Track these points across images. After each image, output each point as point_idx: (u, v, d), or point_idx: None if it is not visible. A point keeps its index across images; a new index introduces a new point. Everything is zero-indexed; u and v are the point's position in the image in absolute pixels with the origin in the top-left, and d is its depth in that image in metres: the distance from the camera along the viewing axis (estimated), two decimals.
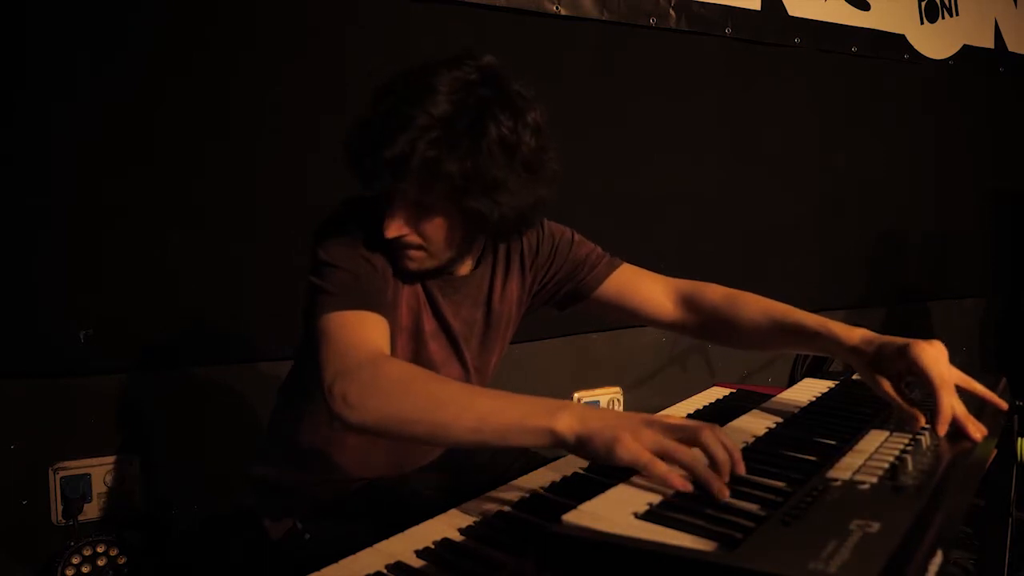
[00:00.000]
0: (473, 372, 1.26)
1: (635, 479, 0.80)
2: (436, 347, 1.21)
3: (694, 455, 0.78)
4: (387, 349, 1.02)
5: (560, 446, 0.84)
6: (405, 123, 0.99)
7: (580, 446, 0.83)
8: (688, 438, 0.79)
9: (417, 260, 1.12)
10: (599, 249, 1.33)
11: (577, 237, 1.33)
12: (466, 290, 1.22)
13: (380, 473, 1.25)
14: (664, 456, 0.78)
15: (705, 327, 1.29)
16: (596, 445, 0.81)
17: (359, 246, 1.10)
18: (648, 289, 1.31)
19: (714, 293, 1.28)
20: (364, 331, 1.01)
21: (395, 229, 1.07)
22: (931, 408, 0.92)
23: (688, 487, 0.76)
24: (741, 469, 0.79)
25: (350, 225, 1.12)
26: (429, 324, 1.19)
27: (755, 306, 1.23)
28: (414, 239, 1.09)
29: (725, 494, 0.74)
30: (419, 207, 1.06)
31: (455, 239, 1.11)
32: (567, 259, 1.30)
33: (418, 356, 1.19)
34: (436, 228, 1.08)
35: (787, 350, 1.22)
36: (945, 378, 0.94)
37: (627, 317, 1.33)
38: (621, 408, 2.70)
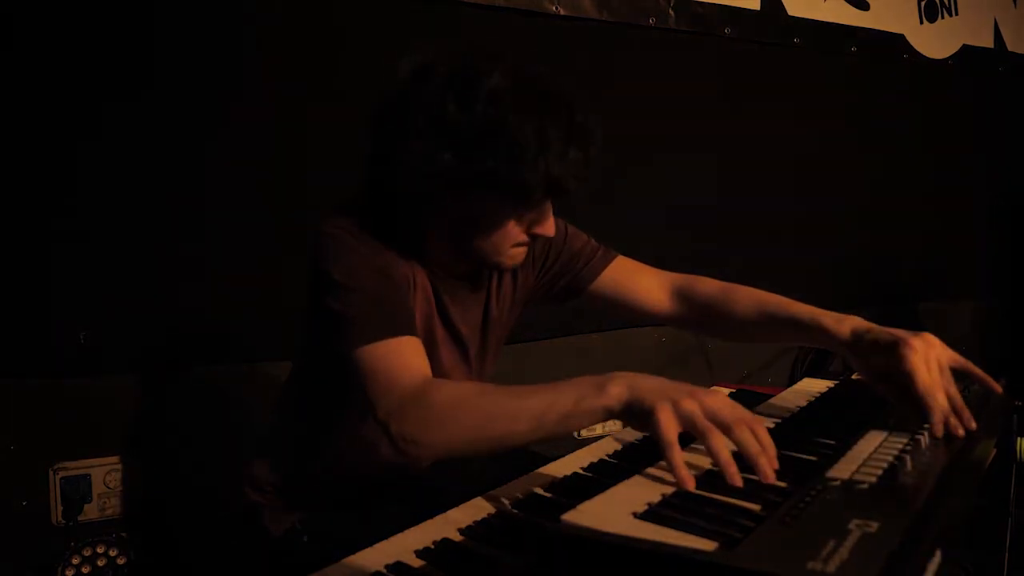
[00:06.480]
0: (476, 378, 1.25)
1: (635, 478, 0.80)
2: (446, 353, 1.20)
3: (721, 443, 0.79)
4: (427, 369, 1.00)
5: (614, 418, 0.86)
6: (586, 134, 1.06)
7: (625, 411, 0.85)
8: (723, 428, 0.80)
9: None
10: (593, 241, 1.33)
11: (571, 229, 1.32)
12: (470, 292, 1.21)
13: (383, 472, 1.25)
14: (693, 432, 0.80)
15: (699, 320, 1.29)
16: (635, 411, 0.84)
17: (374, 260, 1.05)
18: (643, 283, 1.31)
19: (708, 286, 1.28)
20: (401, 359, 0.98)
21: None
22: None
23: (692, 487, 0.76)
24: (772, 464, 0.79)
25: (358, 237, 1.06)
26: (440, 331, 1.18)
27: (749, 299, 1.23)
28: None
29: (738, 482, 0.76)
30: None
31: None
32: (562, 251, 1.29)
33: (429, 363, 1.18)
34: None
35: (783, 342, 1.22)
36: (930, 383, 0.93)
37: (622, 311, 1.32)
38: None
